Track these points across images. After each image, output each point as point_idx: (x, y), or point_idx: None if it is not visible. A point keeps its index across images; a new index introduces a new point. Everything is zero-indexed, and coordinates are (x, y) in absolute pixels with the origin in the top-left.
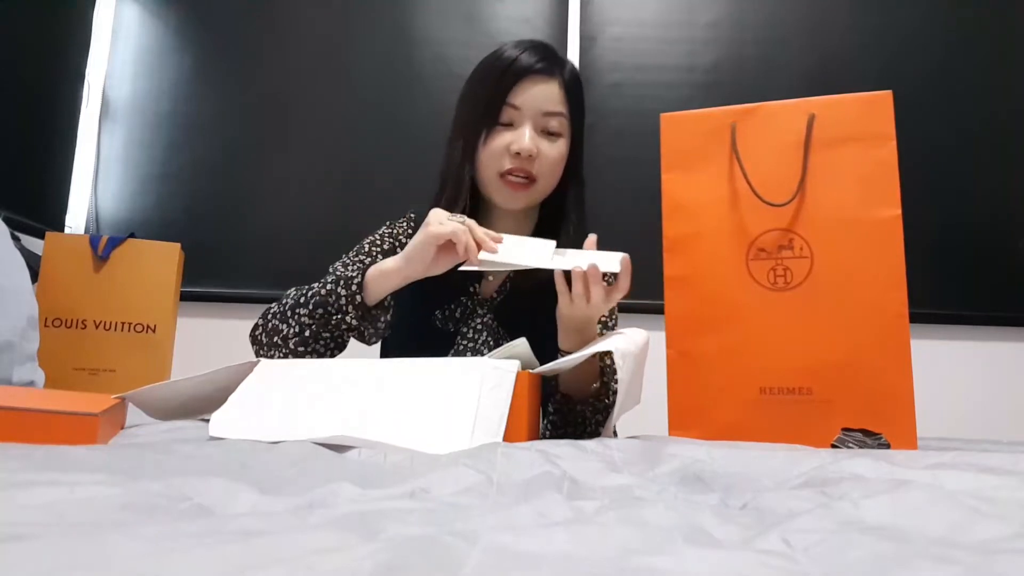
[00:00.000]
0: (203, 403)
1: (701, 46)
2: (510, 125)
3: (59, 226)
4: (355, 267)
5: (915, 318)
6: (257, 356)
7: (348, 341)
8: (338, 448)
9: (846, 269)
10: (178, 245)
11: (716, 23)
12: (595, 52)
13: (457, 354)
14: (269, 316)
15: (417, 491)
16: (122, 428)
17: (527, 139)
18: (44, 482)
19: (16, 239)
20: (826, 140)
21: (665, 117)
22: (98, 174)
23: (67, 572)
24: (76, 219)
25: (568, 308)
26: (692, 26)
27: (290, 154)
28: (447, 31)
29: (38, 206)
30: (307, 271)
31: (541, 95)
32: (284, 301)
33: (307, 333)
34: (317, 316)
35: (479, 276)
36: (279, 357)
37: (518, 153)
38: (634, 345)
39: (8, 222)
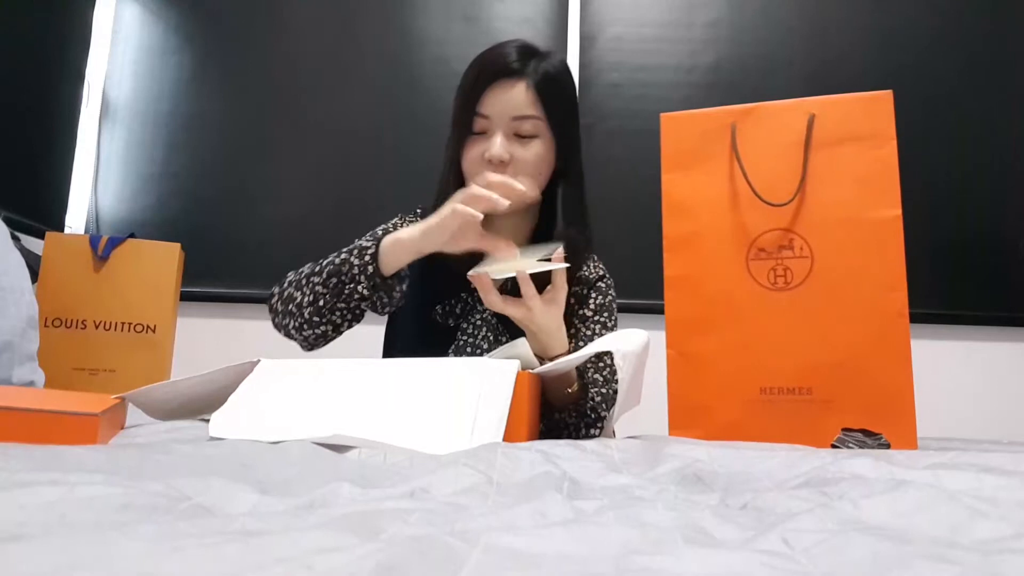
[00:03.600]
0: (203, 403)
1: (701, 46)
2: (484, 134)
3: (59, 226)
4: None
5: (915, 318)
6: (275, 325)
7: (364, 312)
8: (338, 448)
9: (846, 269)
10: (178, 245)
11: (716, 23)
12: (595, 52)
13: (457, 349)
14: (285, 284)
15: (417, 491)
16: (122, 428)
17: (497, 147)
18: (44, 482)
19: (16, 239)
20: (826, 140)
21: (665, 117)
22: (98, 174)
23: (67, 572)
24: (76, 219)
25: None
26: (692, 26)
27: (290, 154)
28: (447, 31)
29: (38, 206)
30: None
31: (507, 101)
32: (301, 270)
33: (321, 303)
34: (331, 286)
35: None
36: (294, 326)
37: (491, 161)
38: (634, 346)
39: (8, 222)
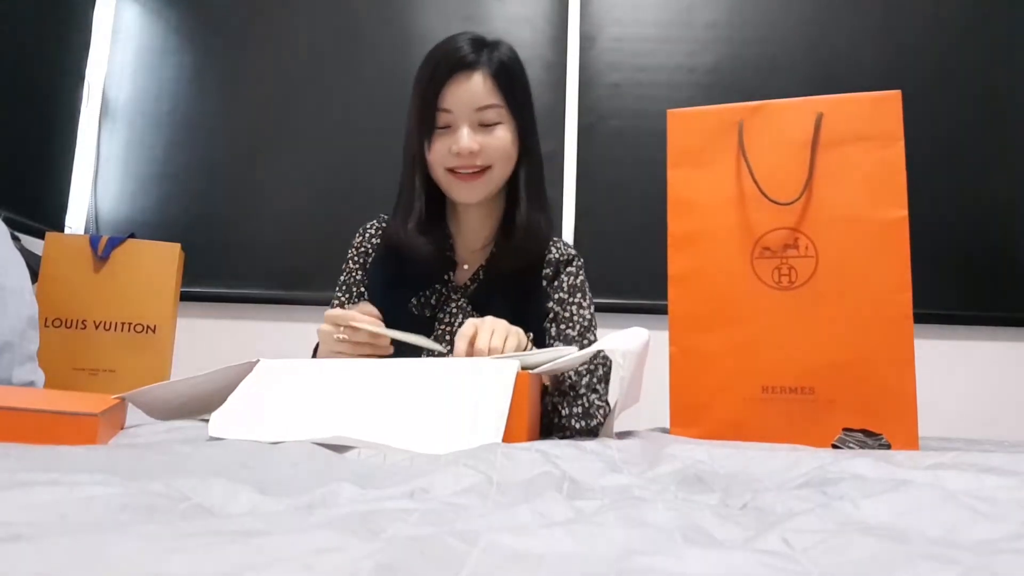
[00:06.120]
0: (203, 403)
1: (701, 46)
2: (448, 127)
3: (59, 226)
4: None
5: (916, 318)
6: None
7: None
8: (338, 448)
9: (851, 269)
10: (178, 245)
11: (716, 23)
12: (595, 52)
13: (437, 339)
14: None
15: (417, 491)
16: (122, 428)
17: (465, 139)
18: (44, 482)
19: (16, 239)
20: (834, 139)
21: (672, 114)
22: (98, 174)
23: (67, 572)
24: (76, 219)
25: None
26: (692, 26)
27: (290, 154)
28: (447, 31)
29: (38, 206)
30: (307, 271)
31: (468, 93)
32: None
33: None
34: None
35: (452, 265)
36: None
37: (459, 154)
38: (635, 344)
39: (8, 222)
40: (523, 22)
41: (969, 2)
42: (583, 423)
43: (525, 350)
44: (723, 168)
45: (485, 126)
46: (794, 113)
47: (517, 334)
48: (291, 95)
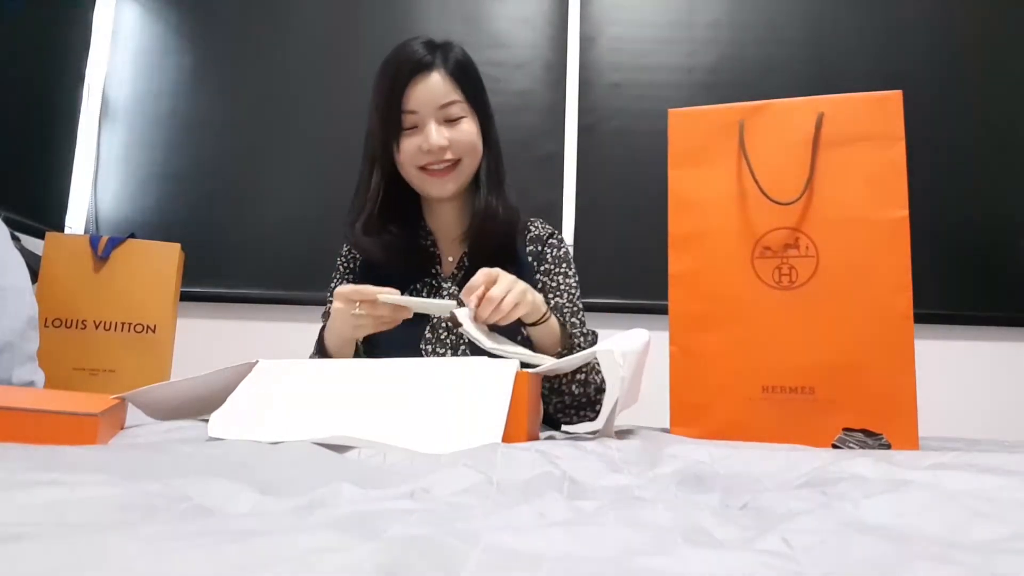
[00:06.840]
0: (203, 403)
1: (701, 46)
2: (414, 128)
3: (59, 226)
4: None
5: (916, 318)
6: None
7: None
8: (338, 448)
9: (852, 269)
10: (178, 245)
11: (716, 23)
12: (595, 52)
13: (433, 327)
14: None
15: (417, 491)
16: (122, 428)
17: (434, 135)
18: (44, 482)
19: (16, 239)
20: (835, 139)
21: (673, 113)
22: (98, 174)
23: (67, 572)
24: (76, 219)
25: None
26: (692, 26)
27: (290, 154)
28: (446, 33)
29: (38, 206)
30: (307, 272)
31: (429, 92)
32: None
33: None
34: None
35: (437, 258)
36: None
37: (429, 151)
38: (635, 345)
39: (8, 222)
40: (523, 22)
41: (970, 1)
42: (581, 387)
43: (543, 317)
44: (724, 168)
45: (450, 122)
46: (795, 113)
47: (531, 304)
48: (291, 96)
